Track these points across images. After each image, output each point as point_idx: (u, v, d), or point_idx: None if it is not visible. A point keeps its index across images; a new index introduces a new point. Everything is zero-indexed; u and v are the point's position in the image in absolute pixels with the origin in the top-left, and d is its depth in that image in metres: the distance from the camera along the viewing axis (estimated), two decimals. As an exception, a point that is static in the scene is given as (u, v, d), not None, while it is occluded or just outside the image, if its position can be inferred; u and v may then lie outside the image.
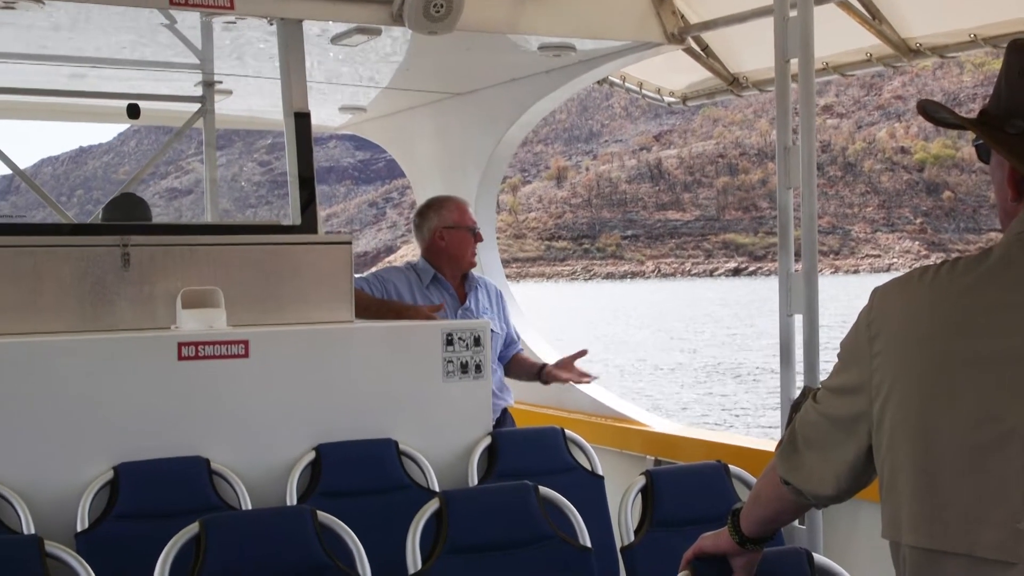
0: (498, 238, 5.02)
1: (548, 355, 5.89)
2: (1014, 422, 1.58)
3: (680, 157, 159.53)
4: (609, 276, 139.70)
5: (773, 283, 4.13)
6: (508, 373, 5.00)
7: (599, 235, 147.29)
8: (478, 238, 4.87)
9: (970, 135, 1.77)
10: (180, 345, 3.69)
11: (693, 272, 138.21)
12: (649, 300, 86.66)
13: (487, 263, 6.04)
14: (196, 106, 5.61)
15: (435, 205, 4.92)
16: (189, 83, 5.68)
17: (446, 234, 4.83)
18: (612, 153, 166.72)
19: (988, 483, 1.60)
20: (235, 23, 4.53)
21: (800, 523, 3.83)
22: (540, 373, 4.89)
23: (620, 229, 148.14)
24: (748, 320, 57.87)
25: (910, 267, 1.92)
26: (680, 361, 40.65)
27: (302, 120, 4.43)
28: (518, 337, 5.11)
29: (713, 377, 36.05)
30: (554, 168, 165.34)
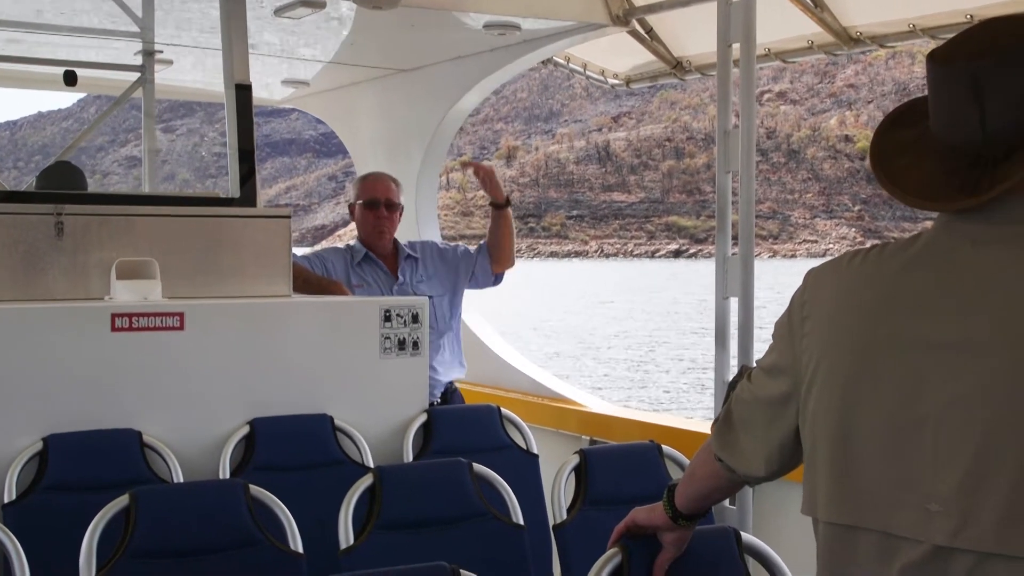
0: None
1: (487, 334, 5.91)
2: (928, 407, 1.61)
3: (628, 140, 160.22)
4: (553, 255, 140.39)
5: (712, 265, 4.16)
6: (498, 263, 4.99)
7: (545, 214, 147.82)
8: (380, 212, 4.81)
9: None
10: (113, 316, 3.65)
11: (635, 253, 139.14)
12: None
13: (428, 239, 6.03)
14: (136, 75, 5.52)
15: (353, 184, 4.97)
16: (129, 52, 5.59)
17: (355, 210, 4.88)
18: (563, 134, 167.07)
19: (903, 465, 1.63)
20: (176, -9, 4.47)
21: (730, 503, 3.89)
22: (493, 204, 4.98)
23: (566, 209, 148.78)
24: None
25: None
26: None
27: (243, 92, 4.38)
28: (474, 250, 5.07)
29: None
30: (504, 147, 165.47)
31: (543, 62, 5.79)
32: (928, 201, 1.67)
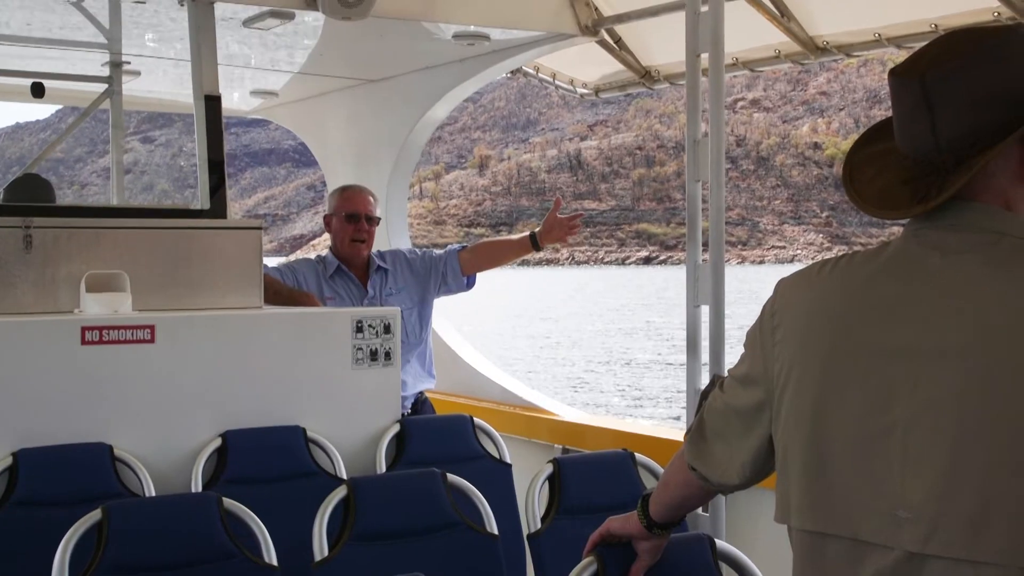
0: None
1: (458, 344, 5.91)
2: (897, 414, 1.63)
3: (600, 148, 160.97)
4: (524, 263, 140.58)
5: (682, 271, 4.18)
6: (474, 268, 4.95)
7: (516, 223, 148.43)
8: (361, 226, 4.81)
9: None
10: (84, 329, 3.62)
11: (606, 260, 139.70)
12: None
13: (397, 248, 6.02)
14: (103, 86, 5.50)
15: (330, 194, 4.98)
16: (96, 63, 5.56)
17: (329, 220, 4.89)
18: (536, 143, 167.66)
19: (872, 472, 1.65)
20: (144, 3, 4.45)
21: (704, 510, 3.90)
22: (533, 241, 4.83)
23: (537, 217, 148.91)
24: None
25: (813, 258, 1.99)
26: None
27: (212, 103, 4.37)
28: (441, 252, 5.03)
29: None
30: (477, 156, 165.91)
31: (513, 72, 5.81)
32: (885, 210, 1.72)
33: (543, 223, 4.84)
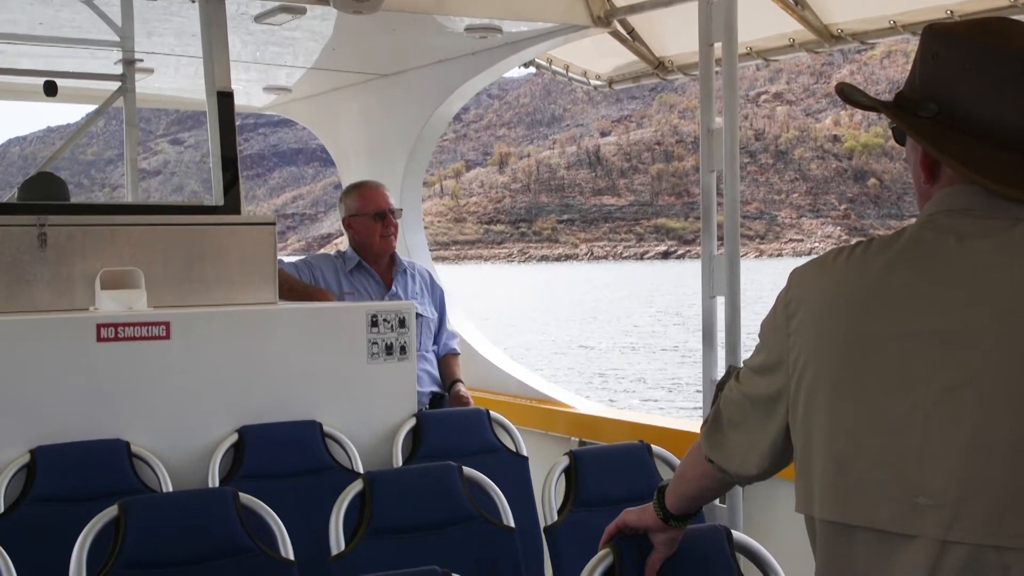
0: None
1: (475, 338, 5.91)
2: (916, 400, 1.61)
3: (619, 144, 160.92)
4: (544, 258, 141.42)
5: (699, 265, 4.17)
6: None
7: (536, 219, 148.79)
8: (389, 221, 4.84)
9: None
10: (99, 327, 3.63)
11: (624, 255, 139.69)
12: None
13: (413, 245, 6.03)
14: (116, 84, 5.51)
15: (344, 194, 5.01)
16: (109, 61, 5.57)
17: (352, 222, 4.88)
18: (556, 140, 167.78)
19: (890, 459, 1.63)
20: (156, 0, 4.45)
21: (721, 501, 3.89)
22: (449, 388, 4.92)
23: (556, 213, 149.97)
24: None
25: (830, 251, 1.96)
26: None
27: (225, 100, 4.37)
28: (453, 336, 5.08)
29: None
30: (497, 154, 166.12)
31: (525, 64, 5.79)
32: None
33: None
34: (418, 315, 4.77)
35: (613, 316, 53.11)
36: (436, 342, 5.00)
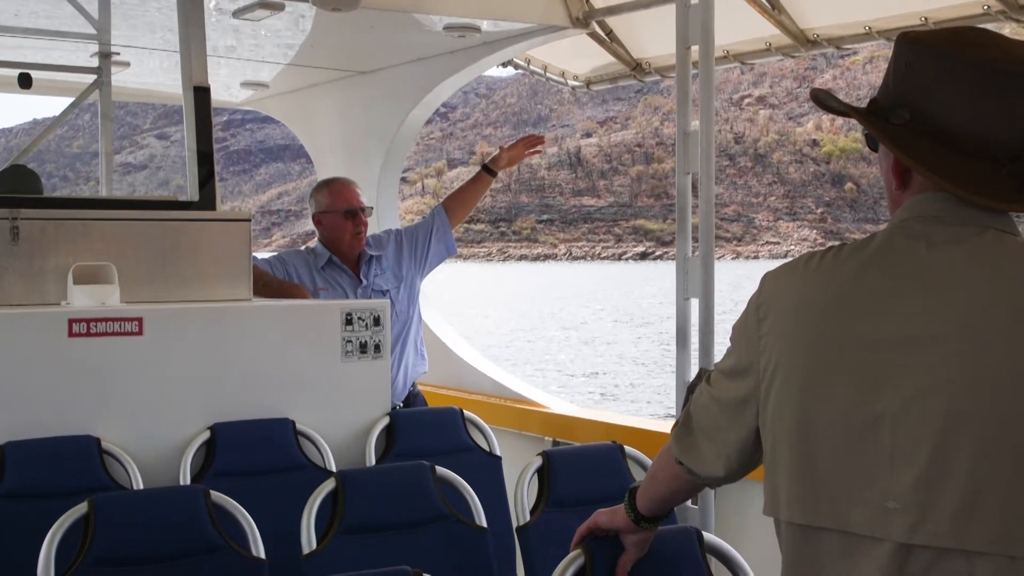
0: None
1: (449, 336, 5.90)
2: (885, 405, 1.62)
3: (600, 145, 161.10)
4: (523, 258, 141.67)
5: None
6: (456, 218, 5.07)
7: (516, 219, 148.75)
8: (360, 219, 4.82)
9: None
10: (71, 321, 3.61)
11: (603, 256, 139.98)
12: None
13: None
14: (92, 77, 5.47)
15: (315, 190, 5.00)
16: (85, 53, 5.53)
17: (323, 219, 4.86)
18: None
19: (860, 463, 1.64)
20: (133, -7, 4.43)
21: (692, 503, 3.90)
22: (487, 168, 5.10)
23: (536, 213, 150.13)
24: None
25: (805, 254, 1.97)
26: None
27: (201, 95, 4.34)
28: (432, 211, 5.14)
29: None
30: (479, 154, 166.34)
31: (503, 64, 5.79)
32: (997, 201, 1.68)
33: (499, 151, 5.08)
34: (399, 288, 4.81)
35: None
36: (413, 295, 5.00)
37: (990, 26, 3.75)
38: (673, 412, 4.31)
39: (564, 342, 42.25)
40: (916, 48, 1.72)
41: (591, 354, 38.49)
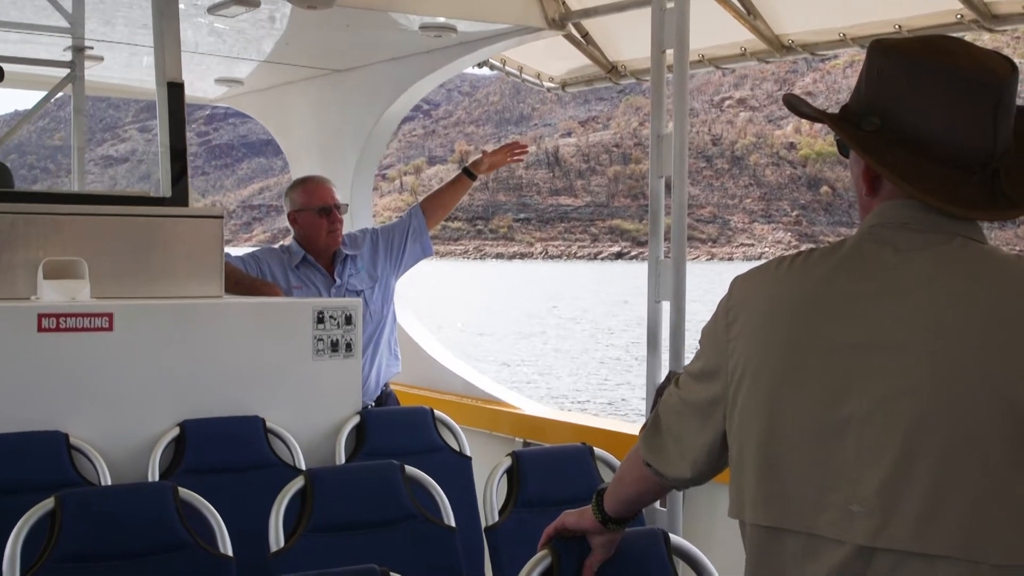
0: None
1: (421, 336, 5.90)
2: (852, 409, 1.64)
3: (578, 145, 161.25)
4: (499, 256, 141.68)
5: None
6: (434, 219, 5.07)
7: (493, 217, 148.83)
8: (334, 216, 4.81)
9: None
10: (40, 316, 3.59)
11: (578, 255, 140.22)
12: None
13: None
14: (66, 71, 5.44)
15: (289, 188, 4.99)
16: (59, 48, 5.50)
17: (298, 217, 4.85)
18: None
19: (827, 466, 1.66)
20: (108, -13, 4.41)
21: (661, 505, 3.92)
22: (467, 172, 5.06)
23: (513, 212, 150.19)
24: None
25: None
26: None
27: (175, 90, 4.33)
28: (409, 210, 5.13)
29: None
30: (457, 152, 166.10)
31: (479, 64, 5.79)
32: (968, 209, 1.70)
33: (481, 155, 5.06)
34: (373, 288, 4.78)
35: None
36: (387, 294, 4.98)
37: (964, 35, 3.78)
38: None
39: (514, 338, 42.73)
40: (888, 56, 1.73)
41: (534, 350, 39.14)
